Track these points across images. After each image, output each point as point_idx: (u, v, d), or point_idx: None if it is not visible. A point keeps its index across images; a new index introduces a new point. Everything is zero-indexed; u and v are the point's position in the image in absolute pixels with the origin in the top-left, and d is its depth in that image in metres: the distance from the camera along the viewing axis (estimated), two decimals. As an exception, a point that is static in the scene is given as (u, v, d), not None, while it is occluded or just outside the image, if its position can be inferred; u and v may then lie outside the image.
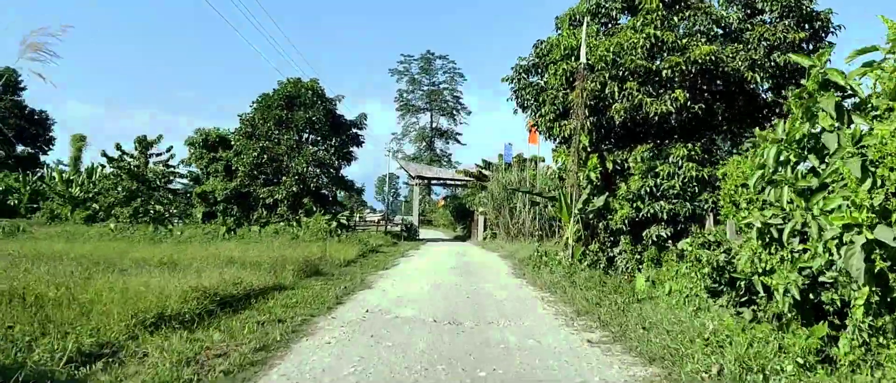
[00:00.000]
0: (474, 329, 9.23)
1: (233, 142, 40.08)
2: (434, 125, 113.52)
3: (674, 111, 16.10)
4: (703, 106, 16.58)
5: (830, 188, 5.84)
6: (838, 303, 6.34)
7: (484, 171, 36.96)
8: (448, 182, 45.34)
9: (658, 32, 16.55)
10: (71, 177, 50.53)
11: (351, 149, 43.17)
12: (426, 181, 43.71)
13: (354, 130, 43.33)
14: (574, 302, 11.66)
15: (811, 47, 17.42)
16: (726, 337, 7.05)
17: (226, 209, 40.56)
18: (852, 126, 5.92)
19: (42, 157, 74.14)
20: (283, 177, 38.77)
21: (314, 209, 39.07)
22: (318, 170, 38.95)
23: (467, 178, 40.34)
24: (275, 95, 39.44)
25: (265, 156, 38.27)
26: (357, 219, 46.27)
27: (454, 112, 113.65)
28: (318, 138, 40.15)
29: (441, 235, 63.35)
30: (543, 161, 33.10)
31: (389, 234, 41.82)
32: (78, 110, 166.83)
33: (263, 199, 39.29)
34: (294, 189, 38.29)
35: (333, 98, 41.32)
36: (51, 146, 77.55)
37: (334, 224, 38.88)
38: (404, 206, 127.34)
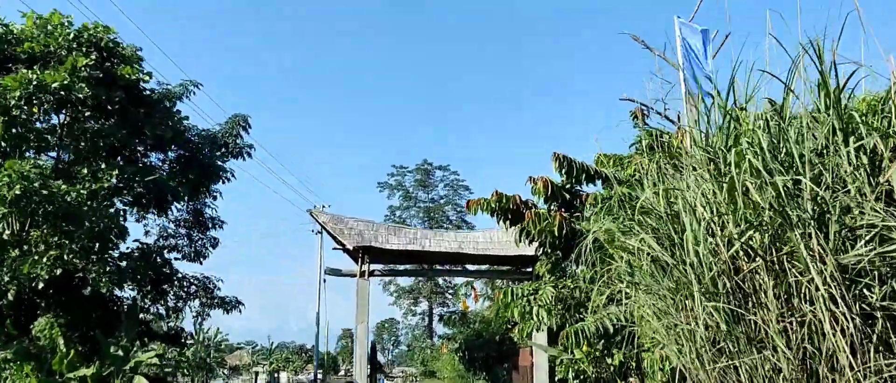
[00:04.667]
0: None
1: None
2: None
3: None
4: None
5: None
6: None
7: (562, 185, 10.89)
8: (442, 269, 19.28)
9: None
10: None
11: (205, 200, 17.86)
12: (385, 265, 17.98)
13: (218, 154, 18.20)
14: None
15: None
16: None
17: None
18: None
19: None
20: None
21: (50, 340, 13.15)
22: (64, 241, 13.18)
23: (500, 256, 14.96)
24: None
25: None
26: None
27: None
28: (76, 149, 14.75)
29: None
30: None
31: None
32: None
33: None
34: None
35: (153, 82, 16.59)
36: None
37: None
38: (408, 355, 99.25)
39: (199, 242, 19.31)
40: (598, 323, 10.13)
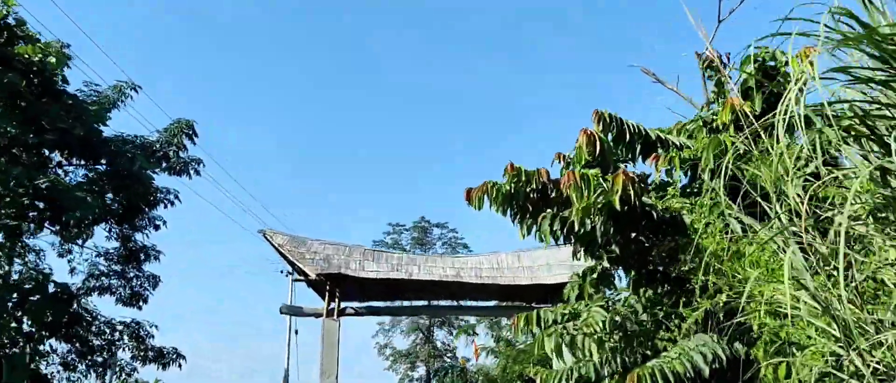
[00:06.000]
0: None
1: None
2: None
3: None
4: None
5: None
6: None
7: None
8: (435, 306, 15.45)
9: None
10: None
11: (147, 231, 14.30)
12: (362, 301, 14.18)
13: (157, 168, 14.59)
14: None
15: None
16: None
17: None
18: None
19: None
20: None
21: None
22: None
23: (511, 286, 11.30)
24: None
25: None
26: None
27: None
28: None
29: None
30: None
31: None
32: None
33: None
34: None
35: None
36: None
37: None
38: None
39: (136, 281, 15.56)
40: (685, 360, 6.33)
